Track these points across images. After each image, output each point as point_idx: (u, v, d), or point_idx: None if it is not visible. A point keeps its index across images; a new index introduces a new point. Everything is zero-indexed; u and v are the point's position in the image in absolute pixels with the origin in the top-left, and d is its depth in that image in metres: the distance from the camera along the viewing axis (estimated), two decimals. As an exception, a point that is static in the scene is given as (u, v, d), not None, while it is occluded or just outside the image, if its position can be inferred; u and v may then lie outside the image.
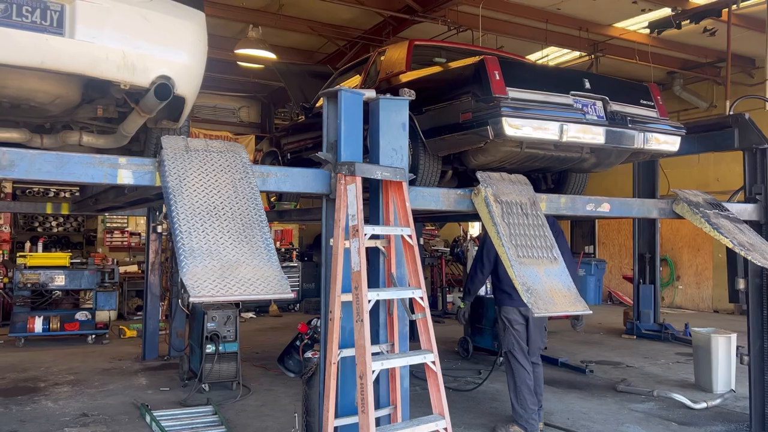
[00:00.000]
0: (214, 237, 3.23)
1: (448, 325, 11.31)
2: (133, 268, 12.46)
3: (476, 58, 4.82)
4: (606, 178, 11.33)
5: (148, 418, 5.67)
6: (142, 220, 12.54)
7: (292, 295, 3.15)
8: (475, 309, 8.52)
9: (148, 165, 3.47)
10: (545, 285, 3.99)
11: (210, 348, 6.69)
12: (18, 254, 10.31)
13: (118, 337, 10.10)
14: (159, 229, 8.61)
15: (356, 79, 6.86)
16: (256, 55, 10.96)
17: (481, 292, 8.74)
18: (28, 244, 11.19)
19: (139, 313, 11.76)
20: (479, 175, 4.40)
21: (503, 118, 4.39)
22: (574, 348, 9.53)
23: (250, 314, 12.74)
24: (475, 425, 5.85)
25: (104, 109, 4.22)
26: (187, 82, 3.76)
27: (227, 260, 3.16)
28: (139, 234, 13.15)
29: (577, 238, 16.89)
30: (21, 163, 3.14)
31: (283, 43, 12.09)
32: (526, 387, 5.38)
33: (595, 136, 4.77)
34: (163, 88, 3.56)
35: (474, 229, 14.30)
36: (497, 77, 4.56)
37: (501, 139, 4.50)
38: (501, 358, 7.59)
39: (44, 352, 8.76)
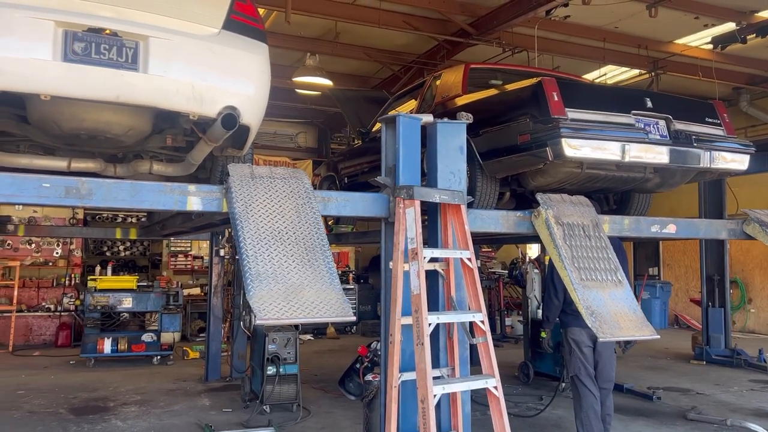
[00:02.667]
0: (278, 261, 3.31)
1: (507, 349, 11.12)
2: (196, 290, 12.81)
3: (534, 80, 4.82)
4: (670, 198, 10.98)
5: (211, 439, 5.79)
6: (205, 244, 12.92)
7: (353, 318, 3.19)
8: (535, 334, 8.36)
9: (216, 192, 3.61)
10: (610, 309, 3.90)
11: (271, 370, 6.79)
12: (89, 277, 10.76)
13: (181, 359, 10.36)
14: (221, 252, 8.85)
15: (412, 104, 6.93)
16: (314, 82, 11.22)
17: (540, 316, 8.60)
18: (98, 268, 11.68)
19: (201, 334, 12.07)
20: (539, 196, 4.37)
21: (563, 139, 4.37)
22: (640, 373, 9.21)
23: (308, 336, 12.87)
24: (537, 452, 5.71)
25: (173, 139, 4.41)
26: (252, 111, 3.90)
27: (291, 284, 3.24)
28: (202, 257, 13.53)
29: (640, 260, 16.38)
30: (98, 191, 3.32)
31: (339, 69, 12.34)
32: (593, 412, 5.22)
33: (658, 155, 4.68)
34: (230, 118, 3.70)
35: (532, 251, 14.09)
36: (555, 98, 4.54)
37: (560, 160, 4.47)
38: (564, 384, 7.47)
39: (112, 373, 9.08)
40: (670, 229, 4.80)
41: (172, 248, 13.53)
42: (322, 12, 9.25)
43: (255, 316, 2.96)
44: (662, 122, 4.79)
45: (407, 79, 11.61)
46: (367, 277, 14.96)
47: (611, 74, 12.46)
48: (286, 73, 11.20)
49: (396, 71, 12.13)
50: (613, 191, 5.77)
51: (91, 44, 3.36)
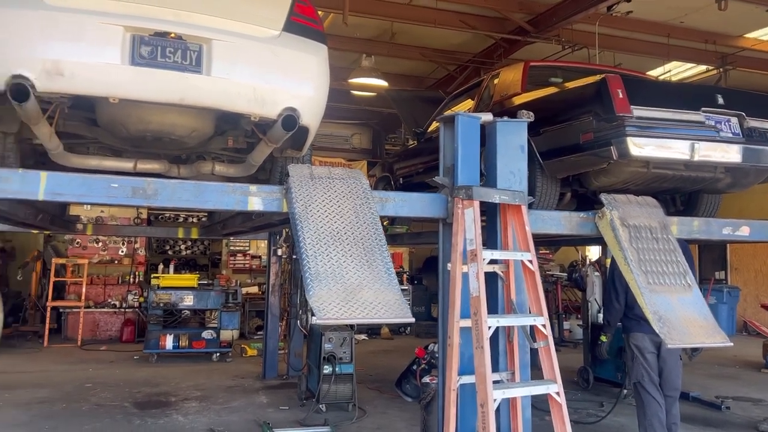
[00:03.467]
0: (338, 261, 3.32)
1: (565, 354, 10.86)
2: (254, 289, 13.05)
3: (597, 77, 4.67)
4: (740, 198, 10.50)
5: (269, 436, 5.87)
6: (263, 244, 13.13)
7: (412, 320, 3.17)
8: (595, 338, 8.13)
9: (276, 192, 3.64)
10: (679, 314, 3.74)
11: (327, 369, 6.84)
12: (152, 275, 11.11)
13: (240, 356, 10.56)
14: (279, 252, 8.98)
15: (468, 103, 6.85)
16: (369, 83, 11.26)
17: (601, 320, 8.36)
18: (161, 266, 12.05)
19: (259, 332, 12.28)
20: (603, 197, 4.23)
21: (628, 138, 4.23)
22: (707, 382, 8.83)
23: (363, 336, 12.92)
24: (599, 461, 5.55)
25: (234, 140, 4.49)
26: (311, 113, 3.93)
27: (350, 284, 3.24)
28: (260, 257, 13.77)
29: (706, 264, 15.72)
30: (164, 191, 3.40)
31: (394, 70, 12.34)
32: (657, 421, 5.03)
33: (729, 154, 4.48)
34: (290, 119, 3.73)
35: (591, 252, 13.72)
36: (620, 96, 4.39)
37: (625, 159, 4.33)
38: (626, 390, 7.23)
39: (174, 368, 9.33)
40: (744, 231, 4.58)
41: (232, 247, 13.82)
42: (378, 13, 9.27)
43: (315, 316, 2.97)
44: (734, 120, 4.57)
45: (463, 79, 11.50)
46: (421, 278, 14.91)
47: (676, 71, 12.02)
48: (342, 75, 11.28)
49: (451, 71, 12.04)
50: (680, 192, 5.55)
51: (157, 48, 3.45)
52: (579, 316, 11.37)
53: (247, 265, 13.92)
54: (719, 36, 10.35)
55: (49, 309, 11.35)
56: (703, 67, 11.55)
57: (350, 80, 11.15)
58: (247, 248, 13.90)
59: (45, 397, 7.37)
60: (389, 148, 16.20)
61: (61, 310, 11.71)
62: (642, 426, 5.14)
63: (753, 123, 4.60)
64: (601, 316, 8.32)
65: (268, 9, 3.85)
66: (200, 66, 3.53)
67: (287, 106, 3.75)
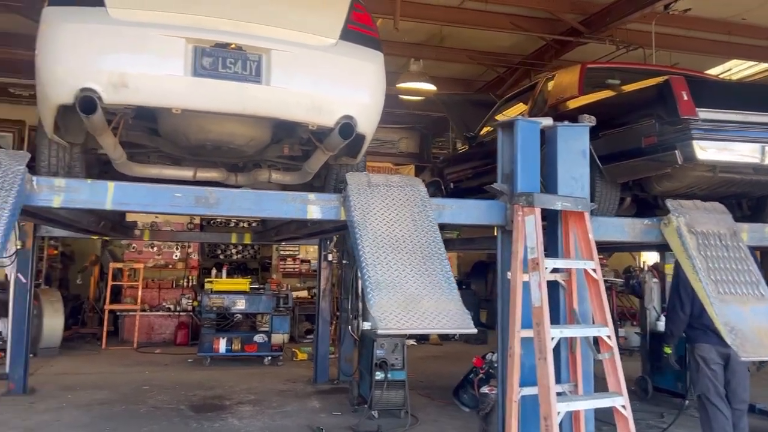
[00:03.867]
0: (397, 270, 3.29)
1: (622, 362, 10.57)
2: (303, 293, 13.15)
3: (660, 79, 4.52)
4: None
5: (323, 442, 5.88)
6: (312, 249, 13.25)
7: (474, 331, 3.12)
8: (655, 346, 7.89)
9: (334, 200, 3.65)
10: (752, 325, 3.58)
11: (379, 375, 6.82)
12: (205, 279, 11.32)
13: (290, 360, 10.65)
14: (329, 257, 9.02)
15: (520, 107, 6.75)
16: (418, 87, 11.21)
17: (661, 327, 8.10)
18: (214, 271, 12.28)
19: (308, 336, 12.37)
20: (669, 203, 4.09)
21: (693, 141, 4.08)
22: (774, 393, 8.45)
23: (412, 342, 12.84)
24: (662, 475, 5.36)
25: (290, 148, 4.53)
26: (368, 120, 3.92)
27: (410, 293, 3.20)
28: (309, 261, 13.87)
29: None
30: (225, 200, 3.44)
31: (443, 74, 12.25)
32: None
33: (802, 157, 4.25)
34: (347, 127, 3.73)
35: (646, 258, 13.33)
36: (685, 97, 4.23)
37: (691, 163, 4.17)
38: (687, 401, 6.98)
39: (227, 372, 9.47)
40: (821, 237, 4.35)
41: (282, 252, 13.97)
42: (428, 17, 9.21)
43: (376, 326, 2.94)
44: (808, 121, 4.34)
45: (513, 81, 11.35)
46: (469, 283, 14.75)
47: (736, 69, 11.58)
48: (390, 80, 11.19)
49: (501, 73, 11.89)
50: (748, 196, 5.31)
51: (218, 59, 3.50)
52: (634, 323, 11.05)
53: (296, 269, 14.05)
54: (785, 32, 9.92)
55: (106, 312, 11.70)
56: (765, 65, 11.09)
57: (398, 85, 11.12)
58: (296, 253, 14.03)
59: (104, 399, 7.58)
60: (436, 152, 16.11)
61: (117, 313, 12.05)
62: (708, 441, 4.95)
63: (827, 124, 4.37)
64: (660, 324, 8.06)
65: (325, 18, 3.86)
66: (260, 76, 3.56)
67: (344, 114, 3.76)
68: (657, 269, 8.36)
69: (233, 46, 3.54)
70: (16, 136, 12.53)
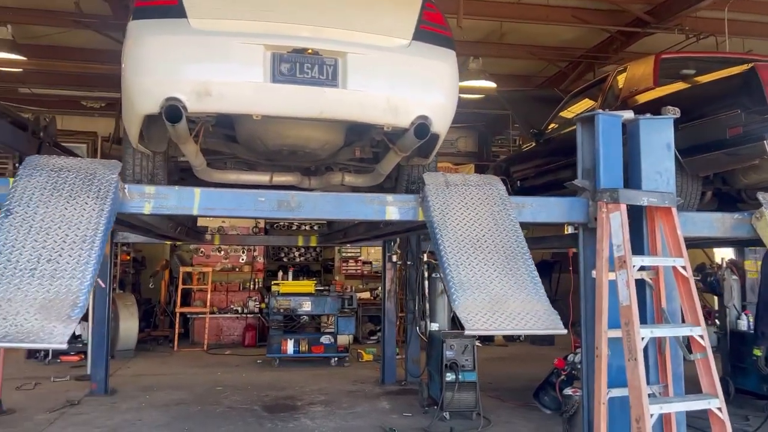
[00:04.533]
0: (480, 269, 3.25)
1: (697, 362, 10.19)
2: (366, 294, 13.21)
3: (744, 66, 4.33)
4: None
5: (397, 443, 5.88)
6: (373, 250, 13.29)
7: (564, 331, 3.04)
8: (736, 346, 7.57)
9: (412, 201, 3.64)
10: None
11: (450, 376, 6.77)
12: (272, 282, 11.51)
13: (356, 361, 10.71)
14: (393, 258, 9.02)
15: (587, 103, 6.59)
16: (477, 85, 11.09)
17: (743, 326, 7.76)
18: (280, 273, 12.48)
19: (372, 337, 12.42)
20: (761, 196, 3.91)
21: (783, 131, 3.88)
22: None
23: (477, 343, 12.72)
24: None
25: (361, 150, 4.55)
26: (442, 120, 3.90)
27: (495, 294, 3.16)
28: (371, 263, 13.93)
29: None
30: (306, 204, 3.48)
31: (502, 70, 12.09)
32: None
33: None
34: (422, 128, 3.72)
35: (722, 254, 12.79)
36: (773, 85, 4.04)
37: (780, 154, 3.97)
38: (777, 405, 6.66)
39: (295, 373, 9.60)
40: None
41: (344, 254, 14.08)
42: (490, 14, 9.12)
43: (464, 328, 2.91)
44: None
45: (576, 76, 11.11)
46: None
47: (815, 54, 10.98)
48: (450, 79, 11.16)
49: (562, 68, 11.65)
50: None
51: (295, 64, 3.55)
52: (710, 321, 10.61)
53: (358, 271, 14.13)
54: None
55: (177, 315, 12.06)
56: None
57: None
58: (358, 255, 14.11)
59: (180, 399, 7.80)
60: (496, 149, 15.91)
61: (188, 316, 12.39)
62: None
63: None
64: (741, 322, 7.72)
65: (398, 19, 3.86)
66: (336, 80, 3.59)
67: (420, 114, 3.74)
68: (735, 266, 8.00)
69: (310, 51, 3.58)
70: (89, 147, 13.11)
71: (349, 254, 14.02)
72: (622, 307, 3.34)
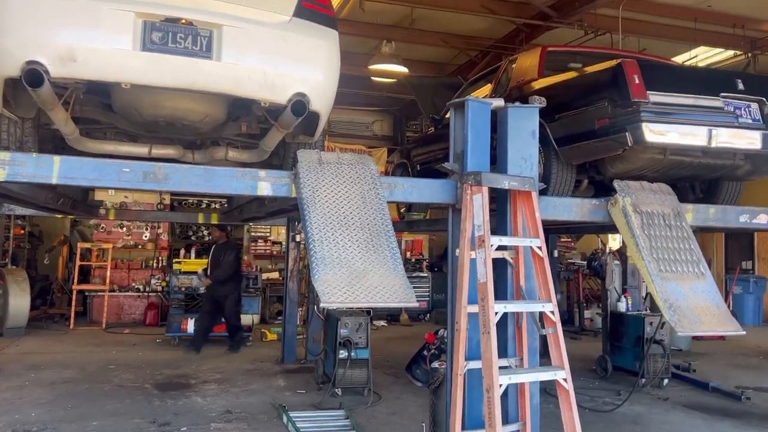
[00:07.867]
0: (344, 246, 3.34)
1: (586, 342, 10.80)
2: (275, 275, 13.16)
3: (613, 62, 4.61)
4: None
5: (284, 419, 5.94)
6: (283, 230, 13.20)
7: (416, 305, 3.18)
8: (615, 326, 8.07)
9: (285, 177, 3.67)
10: (690, 302, 3.70)
11: (343, 353, 6.89)
12: (174, 260, 11.27)
13: (260, 340, 10.68)
14: (297, 238, 9.03)
15: (486, 89, 6.80)
16: (390, 69, 11.21)
17: (622, 308, 8.29)
18: (182, 251, 12.22)
19: (279, 317, 12.39)
20: (616, 183, 4.19)
21: (643, 124, 4.19)
22: (728, 371, 8.70)
23: (382, 322, 12.97)
24: (612, 449, 5.52)
25: (247, 126, 4.53)
26: (321, 98, 3.94)
27: (356, 269, 3.26)
28: (280, 243, 13.85)
29: (732, 253, 15.44)
30: (174, 176, 3.45)
31: (415, 56, 12.26)
32: None
33: (749, 141, 4.40)
34: (299, 104, 3.75)
35: (615, 241, 13.57)
36: (636, 81, 4.33)
37: (641, 146, 4.27)
38: (643, 380, 7.18)
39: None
40: (761, 219, 4.49)
41: (253, 234, 13.95)
42: (398, -1, 9.22)
43: (320, 300, 2.99)
44: (755, 105, 4.47)
45: (484, 65, 11.38)
46: (441, 266, 14.86)
47: (703, 56, 11.74)
48: (363, 61, 11.24)
49: (473, 57, 11.94)
50: (699, 179, 5.45)
51: (168, 34, 3.49)
52: (599, 304, 11.27)
53: (268, 251, 14.05)
54: (748, 20, 10.07)
55: (75, 292, 11.60)
56: (731, 52, 11.26)
57: (370, 67, 11.11)
58: (268, 234, 14.01)
59: (69, 378, 7.56)
60: (410, 135, 16.13)
61: (86, 294, 11.95)
62: None
63: (774, 109, 4.49)
64: (621, 305, 8.25)
65: (279, -6, 3.85)
66: (210, 51, 3.56)
67: (297, 91, 3.77)
68: (619, 252, 8.52)
69: (184, 21, 3.53)
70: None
71: (258, 234, 13.90)
72: (479, 284, 3.52)
